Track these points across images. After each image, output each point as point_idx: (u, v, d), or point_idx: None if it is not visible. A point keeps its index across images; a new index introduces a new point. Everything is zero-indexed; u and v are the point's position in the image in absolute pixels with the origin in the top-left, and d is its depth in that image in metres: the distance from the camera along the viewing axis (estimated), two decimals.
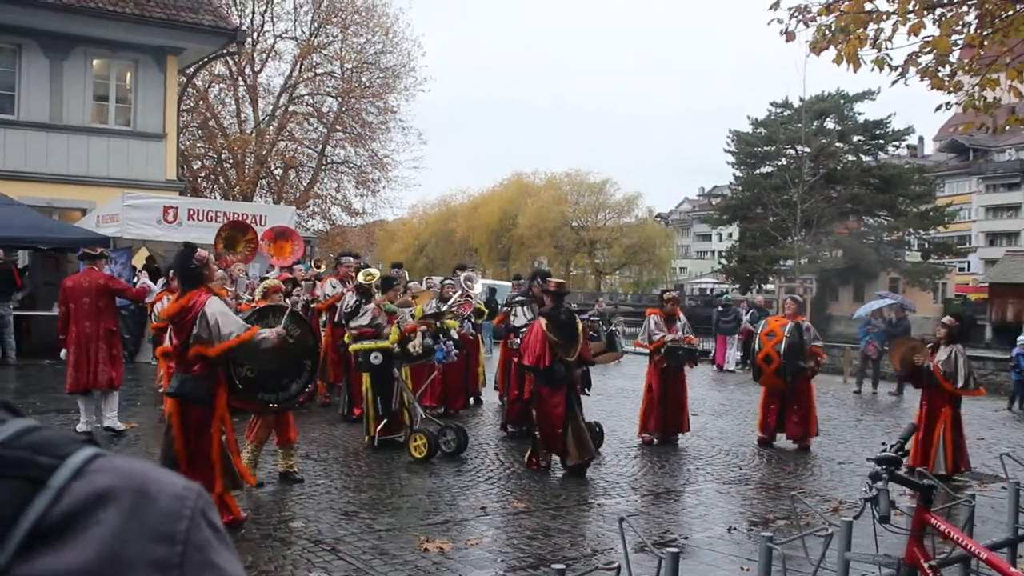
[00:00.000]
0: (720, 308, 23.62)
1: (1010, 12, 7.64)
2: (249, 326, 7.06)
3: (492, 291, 20.72)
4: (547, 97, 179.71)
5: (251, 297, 11.08)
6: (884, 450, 4.28)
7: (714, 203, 69.11)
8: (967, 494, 5.67)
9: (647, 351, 12.12)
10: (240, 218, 15.98)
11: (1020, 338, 19.31)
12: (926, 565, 4.17)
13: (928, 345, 10.67)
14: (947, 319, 10.95)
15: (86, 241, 16.18)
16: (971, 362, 10.69)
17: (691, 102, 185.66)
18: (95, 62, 20.40)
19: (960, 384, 10.24)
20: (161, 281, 12.80)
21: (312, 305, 13.04)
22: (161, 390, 11.85)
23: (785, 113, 53.65)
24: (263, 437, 8.55)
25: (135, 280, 14.64)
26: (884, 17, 7.77)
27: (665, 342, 11.65)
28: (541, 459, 9.64)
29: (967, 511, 5.30)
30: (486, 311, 14.82)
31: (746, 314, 22.71)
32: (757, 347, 11.85)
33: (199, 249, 7.20)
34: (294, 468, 8.75)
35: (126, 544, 0.77)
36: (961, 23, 7.95)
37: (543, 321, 9.60)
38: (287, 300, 9.74)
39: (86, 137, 20.08)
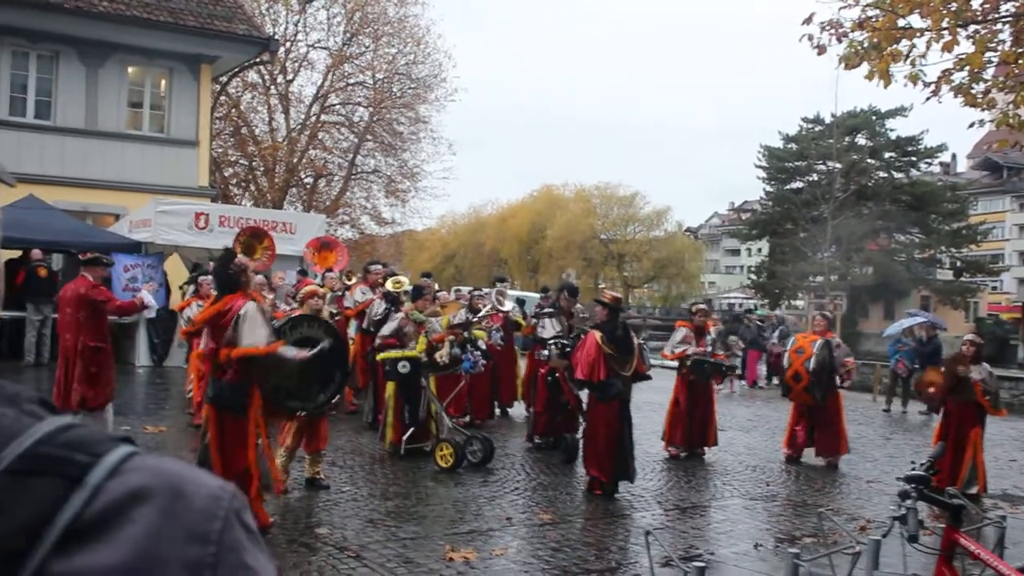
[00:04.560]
0: (759, 323, 23.49)
1: None
2: (274, 340, 7.09)
3: (521, 303, 20.62)
4: (578, 110, 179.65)
5: (288, 306, 11.09)
6: (913, 469, 4.24)
7: (744, 218, 68.77)
8: (998, 515, 5.59)
9: (674, 364, 12.07)
10: (270, 226, 16.09)
11: None
12: None
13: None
14: (972, 336, 10.72)
15: (118, 246, 16.41)
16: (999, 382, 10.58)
17: (722, 118, 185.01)
18: (130, 69, 20.60)
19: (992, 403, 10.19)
20: (191, 288, 12.83)
21: (336, 317, 12.96)
22: (188, 395, 11.95)
23: (816, 129, 53.34)
24: (294, 446, 8.63)
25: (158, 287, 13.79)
26: (917, 34, 7.74)
27: (687, 355, 11.58)
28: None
29: (998, 532, 5.24)
30: (523, 323, 14.75)
31: (775, 331, 22.55)
32: (786, 364, 11.77)
33: (238, 255, 7.29)
34: (320, 475, 8.79)
35: (161, 543, 0.78)
36: (996, 40, 7.90)
37: (597, 334, 9.24)
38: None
39: (120, 143, 20.29)
